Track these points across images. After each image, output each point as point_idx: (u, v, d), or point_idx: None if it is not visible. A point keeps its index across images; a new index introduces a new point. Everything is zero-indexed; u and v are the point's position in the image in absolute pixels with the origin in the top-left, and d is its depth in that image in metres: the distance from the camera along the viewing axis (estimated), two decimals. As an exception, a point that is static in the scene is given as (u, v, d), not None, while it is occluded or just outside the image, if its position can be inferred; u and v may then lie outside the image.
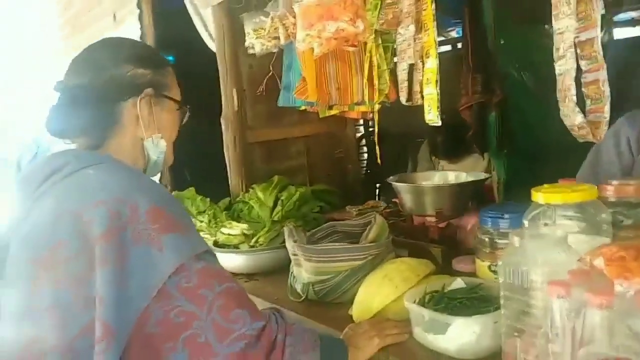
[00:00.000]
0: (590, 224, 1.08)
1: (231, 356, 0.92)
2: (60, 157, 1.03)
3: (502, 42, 3.30)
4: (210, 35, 2.71)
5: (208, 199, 2.13)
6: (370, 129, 4.46)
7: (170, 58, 2.81)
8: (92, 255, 0.90)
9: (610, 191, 1.19)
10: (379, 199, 3.43)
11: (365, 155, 4.35)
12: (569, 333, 0.84)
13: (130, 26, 2.91)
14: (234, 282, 1.00)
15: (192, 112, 1.25)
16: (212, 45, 2.69)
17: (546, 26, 3.37)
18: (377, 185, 3.96)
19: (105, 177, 0.99)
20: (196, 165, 2.77)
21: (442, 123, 1.54)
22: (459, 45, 3.87)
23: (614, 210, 1.15)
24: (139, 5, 2.83)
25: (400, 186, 1.74)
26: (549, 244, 0.99)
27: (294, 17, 1.83)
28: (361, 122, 4.20)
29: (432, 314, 1.15)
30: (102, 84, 1.07)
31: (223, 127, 2.22)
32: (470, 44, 3.13)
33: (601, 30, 1.26)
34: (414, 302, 1.22)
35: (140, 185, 1.00)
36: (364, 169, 4.16)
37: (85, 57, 1.12)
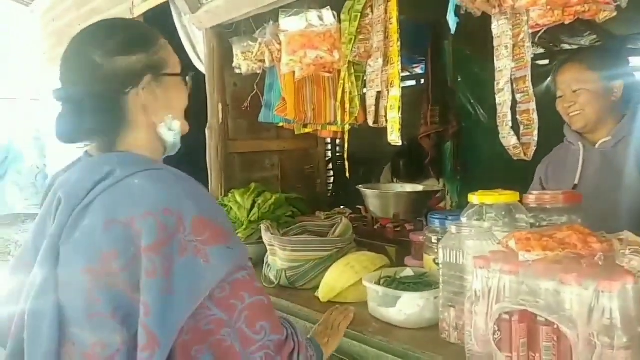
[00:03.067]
0: (512, 222, 1.37)
1: None
2: (104, 164, 0.99)
3: (459, 79, 3.68)
4: (197, 55, 2.97)
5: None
6: (338, 154, 4.78)
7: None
8: (141, 264, 0.91)
9: (531, 199, 1.48)
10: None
11: (332, 174, 4.63)
12: (486, 295, 1.11)
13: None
14: (263, 295, 1.01)
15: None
16: (198, 64, 2.94)
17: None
18: (341, 200, 4.24)
19: (151, 186, 0.97)
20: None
21: (403, 149, 1.81)
22: (422, 80, 4.24)
23: (534, 215, 1.45)
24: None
25: (367, 192, 2.02)
26: (477, 233, 1.27)
27: (279, 43, 2.11)
28: (329, 146, 4.49)
29: (384, 290, 1.41)
30: (100, 82, 1.00)
31: (207, 136, 2.45)
32: (431, 79, 3.47)
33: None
34: (371, 282, 1.47)
35: (185, 193, 0.97)
36: (329, 188, 4.43)
37: (76, 56, 1.04)
